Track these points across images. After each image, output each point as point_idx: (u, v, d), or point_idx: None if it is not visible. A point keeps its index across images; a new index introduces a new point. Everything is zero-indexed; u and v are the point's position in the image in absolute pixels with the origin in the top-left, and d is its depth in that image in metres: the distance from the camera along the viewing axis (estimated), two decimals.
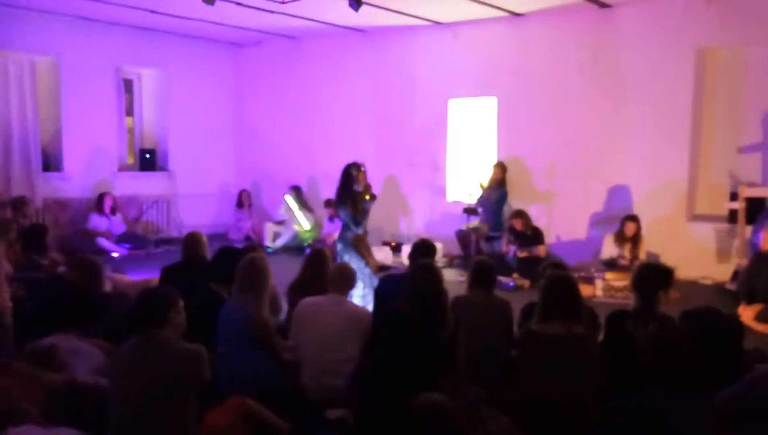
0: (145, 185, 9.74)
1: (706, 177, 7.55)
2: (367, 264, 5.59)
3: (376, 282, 5.71)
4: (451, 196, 9.01)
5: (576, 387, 3.05)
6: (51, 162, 8.95)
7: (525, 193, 8.25)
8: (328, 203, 8.86)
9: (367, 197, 5.72)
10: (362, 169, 5.80)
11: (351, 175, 5.70)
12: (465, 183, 8.74)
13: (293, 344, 3.48)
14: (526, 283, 6.94)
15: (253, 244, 7.18)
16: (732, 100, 7.33)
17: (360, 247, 5.66)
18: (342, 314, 3.49)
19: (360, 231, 5.66)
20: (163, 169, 10.04)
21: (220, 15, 8.33)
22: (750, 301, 5.56)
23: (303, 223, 9.35)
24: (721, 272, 6.94)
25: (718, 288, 6.63)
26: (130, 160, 10.06)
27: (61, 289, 4.31)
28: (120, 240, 8.72)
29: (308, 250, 6.01)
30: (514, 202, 8.19)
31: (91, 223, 8.64)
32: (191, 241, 4.61)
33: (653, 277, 3.46)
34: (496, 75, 8.43)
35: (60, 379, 3.20)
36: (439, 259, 8.03)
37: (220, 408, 2.70)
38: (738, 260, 6.65)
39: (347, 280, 3.70)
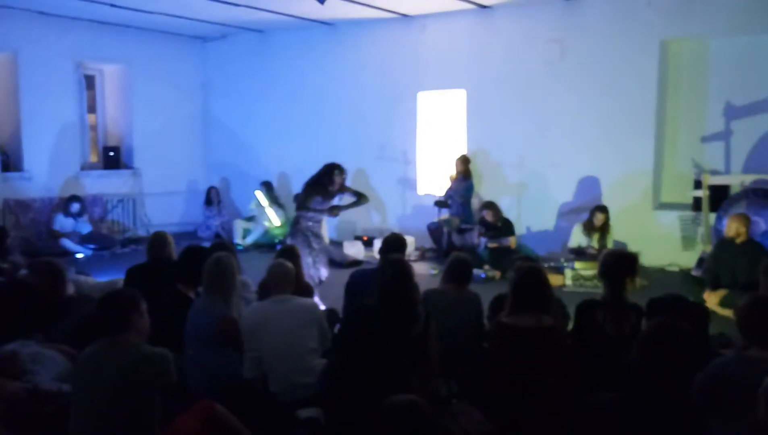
0: (110, 184, 9.51)
1: (670, 166, 7.70)
2: (310, 253, 5.58)
3: (321, 274, 5.68)
4: (422, 190, 9.01)
5: (547, 378, 3.07)
6: (10, 162, 8.68)
7: (495, 184, 8.30)
8: None
9: (334, 213, 5.78)
10: (344, 175, 5.81)
11: (332, 176, 5.70)
12: (436, 176, 8.74)
13: (253, 356, 3.39)
14: (497, 274, 6.99)
15: (223, 242, 7.07)
16: (695, 91, 7.47)
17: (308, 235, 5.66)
18: (290, 309, 3.43)
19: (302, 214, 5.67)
20: (128, 166, 9.82)
21: (184, 8, 8.17)
22: (715, 287, 5.68)
23: (273, 219, 9.26)
24: (687, 259, 7.09)
25: (684, 274, 6.76)
26: (94, 159, 9.82)
27: (22, 293, 4.15)
28: (85, 240, 8.52)
29: (279, 247, 5.94)
30: (485, 194, 8.24)
31: (56, 224, 8.44)
32: (156, 240, 4.52)
33: (618, 264, 3.51)
34: (465, 67, 8.44)
35: (21, 387, 3.11)
36: (412, 252, 8.05)
37: (188, 413, 2.64)
38: (703, 247, 6.79)
39: (288, 279, 3.61)
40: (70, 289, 4.50)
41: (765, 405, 2.02)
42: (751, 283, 5.22)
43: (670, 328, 2.59)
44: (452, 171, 8.18)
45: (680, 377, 2.54)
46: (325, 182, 5.68)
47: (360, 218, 9.37)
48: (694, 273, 6.55)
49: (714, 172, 7.08)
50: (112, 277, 6.00)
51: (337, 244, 8.62)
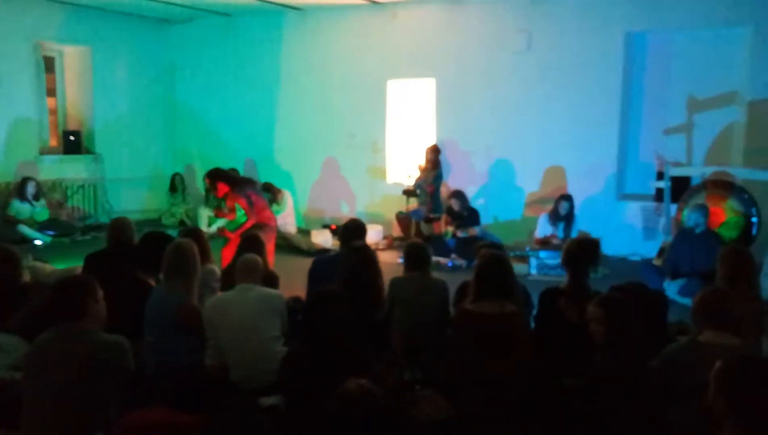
0: (70, 169, 9.23)
1: (634, 157, 7.83)
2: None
3: None
4: (391, 178, 8.99)
5: (509, 365, 3.09)
6: None
7: (463, 174, 8.33)
8: (266, 187, 8.65)
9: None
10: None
11: (215, 186, 6.07)
12: (405, 165, 8.73)
13: (215, 344, 3.35)
14: (464, 262, 7.02)
15: (193, 229, 6.92)
16: (659, 83, 7.60)
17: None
18: (250, 299, 3.39)
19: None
20: (90, 151, 9.56)
21: None
22: (674, 276, 5.81)
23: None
24: (648, 248, 7.24)
25: (645, 263, 6.89)
26: (53, 143, 9.52)
27: None
28: (43, 227, 8.26)
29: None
30: (453, 183, 8.26)
31: (12, 209, 8.16)
32: (117, 226, 4.40)
33: (580, 251, 3.56)
34: (435, 56, 8.42)
35: None
36: (380, 241, 8.05)
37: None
38: (664, 237, 6.94)
39: (254, 270, 3.55)
40: (26, 277, 4.38)
41: (715, 388, 2.07)
42: (709, 272, 5.35)
43: (615, 299, 2.93)
44: (422, 160, 8.18)
45: (627, 346, 2.76)
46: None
47: (329, 207, 9.33)
48: (655, 262, 6.69)
49: (676, 164, 7.23)
50: (72, 264, 5.85)
51: (305, 232, 8.56)
